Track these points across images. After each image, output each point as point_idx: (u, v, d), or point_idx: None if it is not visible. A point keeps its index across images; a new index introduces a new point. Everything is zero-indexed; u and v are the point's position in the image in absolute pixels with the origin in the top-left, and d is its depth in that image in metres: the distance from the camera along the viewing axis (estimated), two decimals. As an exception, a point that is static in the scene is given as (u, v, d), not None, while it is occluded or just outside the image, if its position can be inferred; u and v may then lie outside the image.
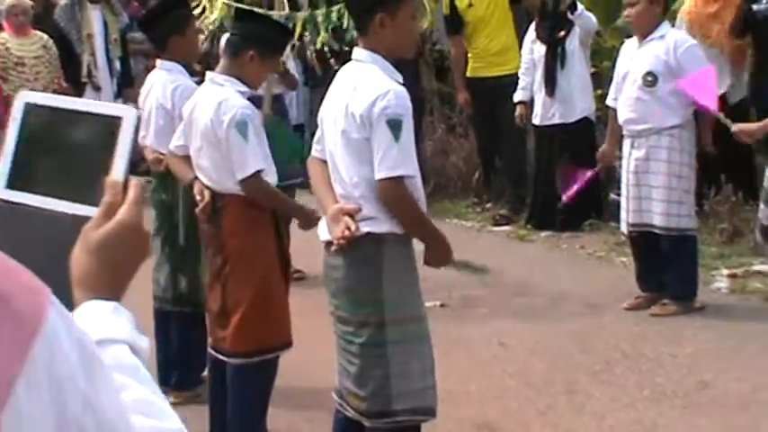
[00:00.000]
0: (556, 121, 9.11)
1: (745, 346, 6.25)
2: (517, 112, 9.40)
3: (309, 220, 4.80)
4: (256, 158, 4.74)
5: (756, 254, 8.00)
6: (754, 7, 8.19)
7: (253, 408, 4.89)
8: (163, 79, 5.59)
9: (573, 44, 9.00)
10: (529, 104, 9.36)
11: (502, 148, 10.02)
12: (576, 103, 9.04)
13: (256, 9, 6.76)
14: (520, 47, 9.55)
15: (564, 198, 7.85)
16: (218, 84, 4.84)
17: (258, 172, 4.74)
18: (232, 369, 4.88)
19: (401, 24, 4.09)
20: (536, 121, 9.28)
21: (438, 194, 10.38)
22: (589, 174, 7.63)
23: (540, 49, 9.12)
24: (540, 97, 9.18)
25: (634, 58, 6.92)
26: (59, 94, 10.73)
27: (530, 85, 9.27)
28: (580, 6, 8.82)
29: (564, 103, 9.05)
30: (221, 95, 4.77)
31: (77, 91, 10.91)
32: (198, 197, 4.89)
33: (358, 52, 4.12)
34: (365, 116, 3.92)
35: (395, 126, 3.91)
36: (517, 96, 9.38)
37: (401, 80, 4.07)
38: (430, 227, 4.12)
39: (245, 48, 4.83)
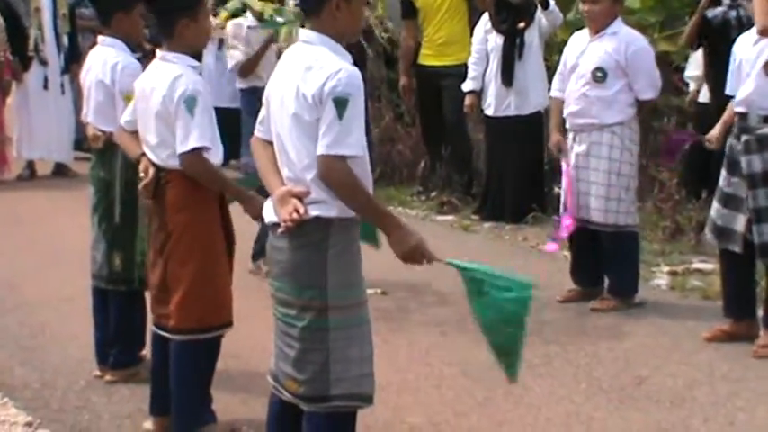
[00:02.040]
0: (510, 112, 9.12)
1: (682, 343, 6.31)
2: (467, 102, 9.40)
3: (254, 207, 4.74)
4: (201, 135, 4.69)
5: (697, 252, 8.09)
6: (709, 14, 8.23)
7: (195, 385, 4.86)
8: (103, 56, 5.53)
9: (532, 36, 9.03)
10: (478, 95, 9.36)
11: (447, 136, 10.02)
12: (532, 95, 9.06)
13: None
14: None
15: None
16: (169, 61, 4.80)
17: (199, 149, 4.69)
18: (174, 346, 4.85)
19: (355, 8, 4.06)
20: (489, 111, 9.27)
21: (383, 182, 10.39)
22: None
23: (497, 39, 9.12)
24: (493, 88, 9.17)
25: (584, 53, 6.93)
26: (5, 66, 10.64)
27: (480, 75, 9.27)
28: (552, 1, 8.82)
29: (520, 95, 9.07)
30: (174, 72, 4.73)
31: (24, 64, 10.81)
32: (142, 174, 4.85)
33: (306, 34, 4.08)
34: (317, 96, 3.88)
35: (340, 104, 3.86)
36: (467, 86, 9.37)
37: (351, 61, 4.04)
38: (378, 209, 4.04)
39: (174, 18, 4.77)
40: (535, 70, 9.07)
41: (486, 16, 9.26)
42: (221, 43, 11.20)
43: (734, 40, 6.33)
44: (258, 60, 8.24)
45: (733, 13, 8.16)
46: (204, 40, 4.97)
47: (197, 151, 4.69)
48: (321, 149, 3.86)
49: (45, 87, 10.90)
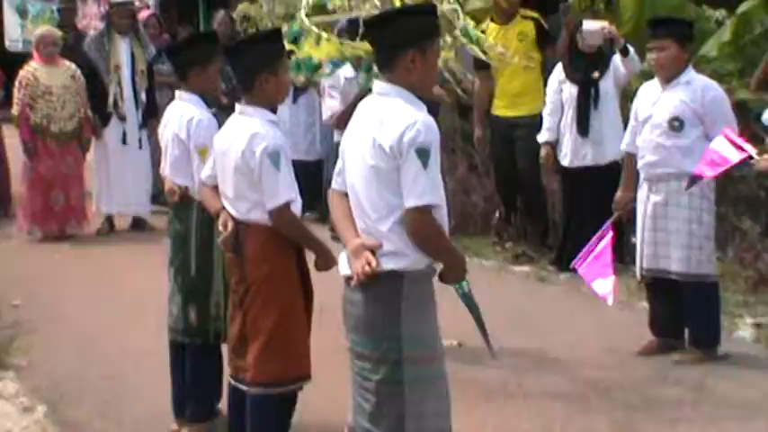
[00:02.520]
0: (587, 163, 9.01)
1: None
2: (543, 153, 9.32)
3: (327, 261, 4.78)
4: (288, 188, 4.74)
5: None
6: None
7: None
8: (180, 111, 5.59)
9: (607, 85, 8.92)
10: (553, 145, 9.29)
11: (522, 187, 9.97)
12: (608, 145, 8.91)
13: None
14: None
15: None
16: (248, 115, 4.84)
17: (288, 202, 4.74)
18: (251, 399, 4.85)
19: (429, 62, 4.09)
20: (565, 162, 9.18)
21: (458, 233, 10.34)
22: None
23: (571, 89, 9.04)
24: (569, 138, 9.08)
25: (657, 103, 6.86)
26: (85, 123, 10.82)
27: (555, 125, 9.21)
28: (631, 49, 8.72)
29: (596, 145, 8.96)
30: (253, 127, 4.78)
31: (103, 121, 10.98)
32: (221, 228, 4.90)
33: (381, 86, 4.11)
34: (395, 147, 3.91)
35: (423, 154, 3.89)
36: (543, 137, 9.31)
37: (426, 111, 4.05)
38: (457, 254, 4.11)
39: (254, 73, 4.81)
40: (611, 119, 8.97)
41: (560, 66, 9.21)
42: (296, 95, 11.31)
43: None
44: (353, 111, 7.95)
45: None
46: (284, 94, 5.01)
47: (286, 205, 4.74)
48: (411, 201, 3.88)
49: (124, 142, 11.04)
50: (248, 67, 4.82)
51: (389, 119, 3.95)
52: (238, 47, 4.98)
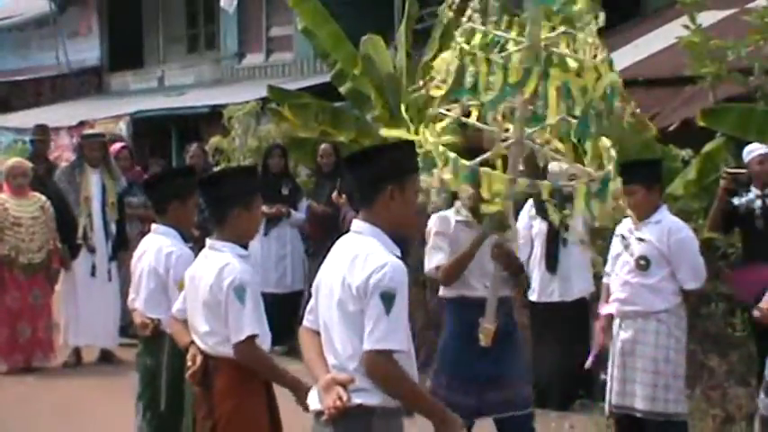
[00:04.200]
0: (555, 298, 9.07)
1: None
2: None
3: (303, 395, 4.72)
4: (252, 323, 4.73)
5: (750, 441, 7.90)
6: (735, 202, 8.30)
7: None
8: (158, 244, 5.61)
9: (576, 223, 8.98)
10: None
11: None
12: (576, 281, 9.01)
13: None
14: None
15: None
16: (217, 250, 4.86)
17: (252, 337, 4.72)
18: None
19: (408, 198, 4.13)
20: (533, 297, 9.22)
21: (428, 367, 10.27)
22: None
23: (541, 225, 9.13)
24: (538, 273, 9.15)
25: (627, 241, 6.95)
26: (53, 254, 10.79)
27: (525, 260, 9.24)
28: None
29: (564, 281, 9.03)
30: (222, 260, 4.79)
31: (72, 252, 10.96)
32: (189, 362, 4.87)
33: (357, 224, 4.14)
34: (361, 288, 3.93)
35: (387, 299, 3.90)
36: None
37: (399, 254, 4.08)
38: (425, 401, 4.06)
39: (227, 207, 4.84)
40: (579, 257, 9.04)
41: (530, 202, 9.30)
42: (267, 228, 11.34)
43: (756, 230, 6.36)
44: (467, 262, 6.38)
45: (759, 203, 8.23)
46: (255, 229, 5.05)
47: (250, 339, 4.72)
48: (368, 344, 3.89)
49: (92, 274, 11.01)
50: (221, 202, 4.85)
51: (360, 259, 3.98)
52: (212, 180, 5.03)
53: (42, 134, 12.94)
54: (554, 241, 9.05)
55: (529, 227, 9.23)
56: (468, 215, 6.44)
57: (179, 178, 5.73)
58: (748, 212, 8.23)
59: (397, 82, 12.38)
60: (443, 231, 6.54)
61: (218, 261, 4.80)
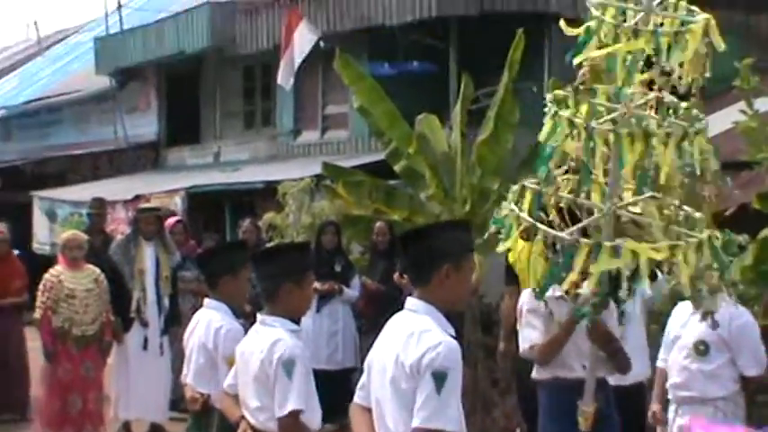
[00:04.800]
0: (612, 383, 8.80)
1: None
2: None
3: None
4: (297, 398, 4.72)
5: None
6: None
7: None
8: (208, 318, 5.62)
9: (634, 306, 8.74)
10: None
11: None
12: (633, 365, 8.77)
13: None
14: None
15: None
16: (268, 325, 4.86)
17: (296, 412, 4.70)
18: None
19: (464, 277, 4.14)
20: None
21: (478, 450, 10.18)
22: None
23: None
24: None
25: (686, 325, 6.84)
26: (106, 326, 10.84)
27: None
28: (660, 274, 8.65)
29: None
30: (274, 336, 4.81)
31: (125, 325, 11.01)
32: (239, 437, 4.86)
33: (412, 302, 4.14)
34: (414, 366, 3.92)
35: (439, 377, 3.89)
36: None
37: (453, 333, 4.07)
38: None
39: (279, 283, 4.85)
40: (637, 340, 8.85)
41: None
42: (320, 305, 11.34)
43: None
44: (564, 341, 6.20)
45: None
46: (306, 306, 5.05)
47: (293, 414, 4.70)
48: (417, 422, 3.87)
49: (144, 348, 11.04)
50: (273, 277, 4.86)
51: (414, 337, 3.97)
52: (265, 255, 5.05)
53: (99, 207, 13.09)
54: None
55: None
56: (561, 290, 6.05)
57: (231, 253, 5.76)
58: None
59: (452, 161, 12.41)
60: (536, 308, 6.28)
61: (270, 336, 4.80)
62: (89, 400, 10.88)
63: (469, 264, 4.18)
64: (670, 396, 6.90)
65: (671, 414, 6.87)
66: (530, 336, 6.31)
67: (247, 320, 5.67)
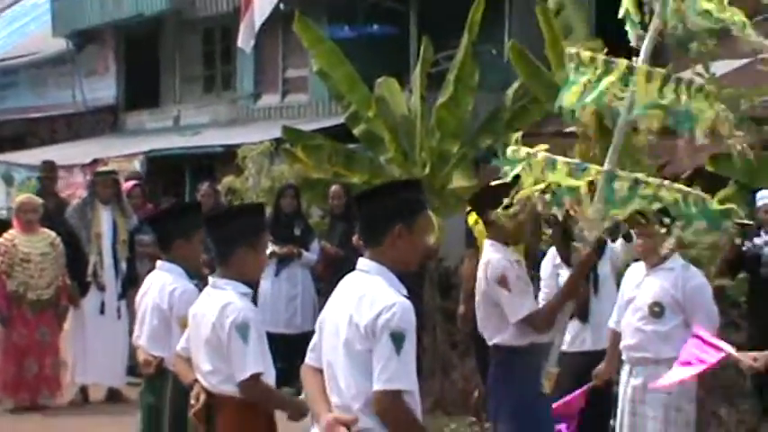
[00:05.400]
0: (586, 348, 8.63)
1: None
2: None
3: (299, 412, 4.72)
4: (256, 361, 4.71)
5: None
6: (744, 247, 8.26)
7: None
8: (161, 281, 5.58)
9: (605, 270, 8.47)
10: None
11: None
12: (606, 330, 8.67)
13: None
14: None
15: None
16: (219, 288, 4.83)
17: (257, 374, 4.70)
18: None
19: (417, 237, 4.11)
20: (564, 347, 8.79)
21: (437, 411, 10.20)
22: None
23: (568, 274, 8.75)
24: (568, 323, 8.75)
25: (641, 286, 6.85)
26: (62, 291, 10.75)
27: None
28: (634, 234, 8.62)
29: (595, 330, 8.63)
30: (224, 299, 4.78)
31: (81, 289, 10.92)
32: (193, 400, 4.84)
33: (364, 263, 4.11)
34: (369, 327, 3.90)
35: (398, 338, 3.89)
36: None
37: (406, 293, 4.05)
38: None
39: (232, 246, 4.82)
40: (611, 304, 8.73)
41: (553, 250, 8.97)
42: (278, 268, 11.32)
43: (760, 276, 6.28)
44: (568, 303, 6.24)
45: (766, 250, 8.17)
46: (260, 269, 5.03)
47: (254, 377, 4.70)
48: (378, 384, 3.86)
49: (101, 312, 10.97)
50: (227, 240, 4.82)
51: (367, 298, 3.95)
52: (218, 218, 5.01)
53: (50, 170, 12.99)
54: (586, 290, 8.65)
55: (554, 276, 8.54)
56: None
57: (184, 215, 5.70)
58: (755, 258, 8.17)
59: (412, 124, 12.37)
60: (522, 275, 6.18)
61: (221, 299, 4.78)
62: (45, 366, 10.82)
63: (422, 224, 4.15)
64: (624, 357, 6.92)
65: (624, 376, 6.89)
66: (525, 303, 6.09)
67: (202, 283, 5.63)
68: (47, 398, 10.87)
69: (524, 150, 5.64)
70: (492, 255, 6.12)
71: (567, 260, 8.78)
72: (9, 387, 10.69)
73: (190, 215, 5.68)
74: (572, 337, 8.54)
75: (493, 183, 5.85)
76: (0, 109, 25.91)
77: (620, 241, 8.59)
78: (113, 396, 11.17)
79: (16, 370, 10.67)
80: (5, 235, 10.77)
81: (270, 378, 4.81)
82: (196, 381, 4.88)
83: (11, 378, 10.68)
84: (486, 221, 6.12)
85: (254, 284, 5.06)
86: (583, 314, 8.52)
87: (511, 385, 6.15)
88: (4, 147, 23.05)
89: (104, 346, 10.94)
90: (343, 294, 4.09)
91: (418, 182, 4.46)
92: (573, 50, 5.78)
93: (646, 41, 5.78)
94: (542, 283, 8.92)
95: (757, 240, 8.29)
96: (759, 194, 8.51)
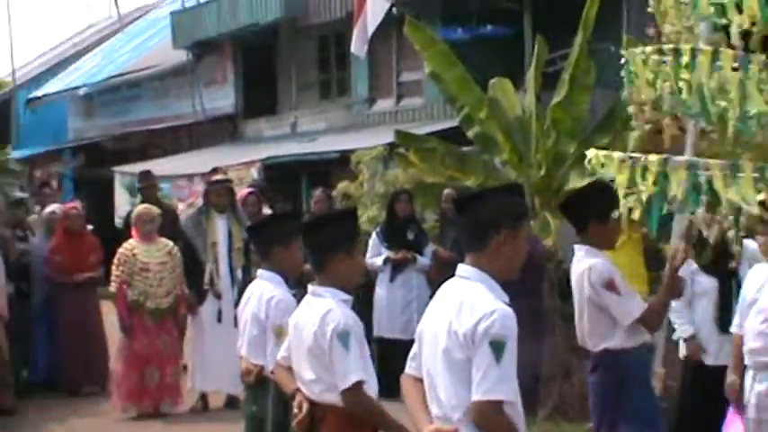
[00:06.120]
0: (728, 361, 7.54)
1: None
2: (691, 350, 8.15)
3: None
4: (358, 369, 4.64)
5: None
6: None
7: None
8: (261, 289, 5.56)
9: (746, 273, 7.58)
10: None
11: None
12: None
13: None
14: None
15: None
16: (319, 295, 4.78)
17: (359, 383, 4.63)
18: None
19: (521, 243, 4.01)
20: (708, 360, 8.07)
21: (557, 417, 10.02)
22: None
23: (706, 281, 8.14)
24: (711, 334, 8.07)
25: (764, 287, 6.58)
26: (181, 299, 10.86)
27: (692, 319, 8.17)
28: None
29: None
30: (325, 307, 4.73)
31: (199, 297, 11.02)
32: (296, 409, 4.80)
33: (464, 269, 4.01)
34: (468, 335, 3.80)
35: (498, 347, 3.78)
36: (686, 332, 8.13)
37: (507, 300, 3.93)
38: None
39: (327, 253, 4.75)
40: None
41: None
42: (393, 274, 11.27)
43: None
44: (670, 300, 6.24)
45: None
46: (357, 275, 4.96)
47: (357, 385, 4.63)
48: (478, 394, 3.75)
49: (219, 320, 11.03)
50: (321, 247, 4.77)
51: (467, 305, 3.85)
52: (312, 225, 4.95)
53: (147, 180, 13.16)
54: (728, 299, 7.98)
55: (690, 283, 7.83)
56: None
57: (281, 223, 5.68)
58: None
59: (526, 125, 12.21)
60: (622, 276, 6.10)
61: (321, 307, 4.73)
62: (166, 374, 10.94)
63: (525, 230, 4.05)
64: (747, 362, 6.62)
65: (748, 381, 6.61)
66: (637, 304, 6.01)
67: (303, 291, 5.59)
68: (169, 405, 10.99)
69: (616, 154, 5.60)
70: (591, 260, 6.04)
71: (708, 268, 8.18)
72: (133, 395, 10.84)
73: (287, 222, 5.66)
74: (715, 351, 8.07)
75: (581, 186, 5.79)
76: (124, 122, 26.45)
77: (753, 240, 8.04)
78: (232, 403, 11.23)
79: (139, 378, 10.81)
80: (125, 245, 10.94)
81: (373, 385, 4.74)
82: (298, 390, 4.84)
83: (134, 386, 10.82)
84: (582, 227, 6.07)
85: (348, 291, 4.97)
86: (724, 325, 7.80)
87: (628, 388, 6.00)
88: (130, 158, 23.49)
89: (222, 354, 10.99)
90: (443, 302, 4.00)
91: (521, 186, 4.35)
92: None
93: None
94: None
95: None
96: None
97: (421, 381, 4.02)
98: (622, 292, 6.00)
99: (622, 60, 6.49)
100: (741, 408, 6.72)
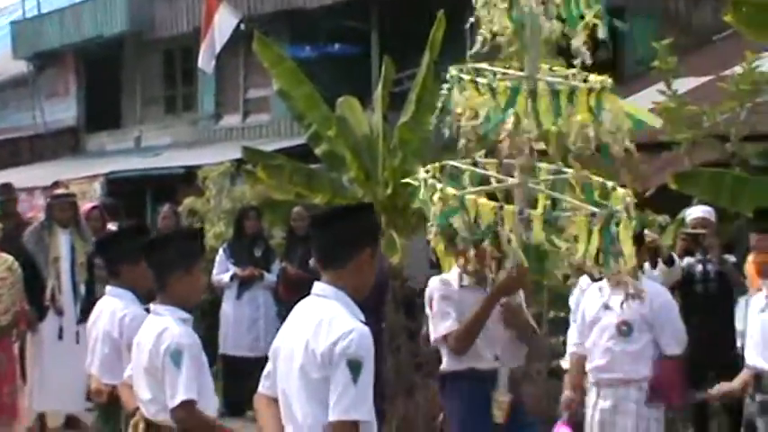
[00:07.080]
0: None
1: None
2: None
3: None
4: (188, 389, 4.61)
5: None
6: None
7: None
8: (112, 307, 5.47)
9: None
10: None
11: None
12: None
13: None
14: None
15: None
16: (158, 314, 4.75)
17: (188, 402, 4.60)
18: None
19: (376, 262, 4.03)
20: None
21: (400, 436, 10.08)
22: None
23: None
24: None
25: (605, 306, 6.75)
26: (21, 315, 10.54)
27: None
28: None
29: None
30: (161, 325, 4.72)
31: (39, 314, 10.73)
32: (131, 429, 4.77)
33: (320, 287, 3.99)
34: (326, 355, 3.78)
35: (355, 367, 3.77)
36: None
37: (364, 319, 3.93)
38: None
39: (168, 271, 4.73)
40: None
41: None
42: (240, 291, 11.20)
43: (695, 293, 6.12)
44: (481, 325, 5.89)
45: (699, 267, 8.12)
46: (197, 294, 4.95)
47: (186, 404, 4.60)
48: (335, 415, 3.74)
49: (60, 337, 10.76)
50: (162, 265, 4.74)
51: (324, 324, 3.83)
52: (154, 244, 4.92)
53: (8, 193, 12.78)
54: None
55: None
56: (471, 281, 5.90)
57: (130, 239, 5.58)
58: (689, 276, 8.15)
59: (374, 144, 12.28)
60: (449, 295, 5.99)
61: (158, 326, 4.72)
62: (3, 393, 10.58)
63: (379, 249, 4.07)
64: (591, 379, 6.79)
65: (592, 398, 6.77)
66: (444, 324, 5.94)
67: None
68: (5, 425, 10.64)
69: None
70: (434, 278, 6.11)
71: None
72: (-34, 415, 10.47)
73: (136, 239, 5.55)
74: None
75: None
76: (-39, 132, 25.72)
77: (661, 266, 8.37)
78: (71, 423, 10.98)
79: (-27, 398, 10.44)
80: (-38, 260, 10.57)
81: (209, 407, 4.72)
82: (138, 409, 4.79)
83: (-32, 406, 10.45)
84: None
85: (189, 310, 4.92)
86: None
87: (457, 411, 6.14)
88: (-35, 170, 22.83)
89: (63, 372, 10.73)
90: (299, 320, 3.97)
91: (373, 205, 4.38)
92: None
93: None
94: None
95: (689, 259, 8.31)
96: (688, 211, 8.58)
97: (275, 401, 3.98)
98: (435, 311, 5.99)
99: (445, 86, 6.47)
100: (573, 423, 6.85)
